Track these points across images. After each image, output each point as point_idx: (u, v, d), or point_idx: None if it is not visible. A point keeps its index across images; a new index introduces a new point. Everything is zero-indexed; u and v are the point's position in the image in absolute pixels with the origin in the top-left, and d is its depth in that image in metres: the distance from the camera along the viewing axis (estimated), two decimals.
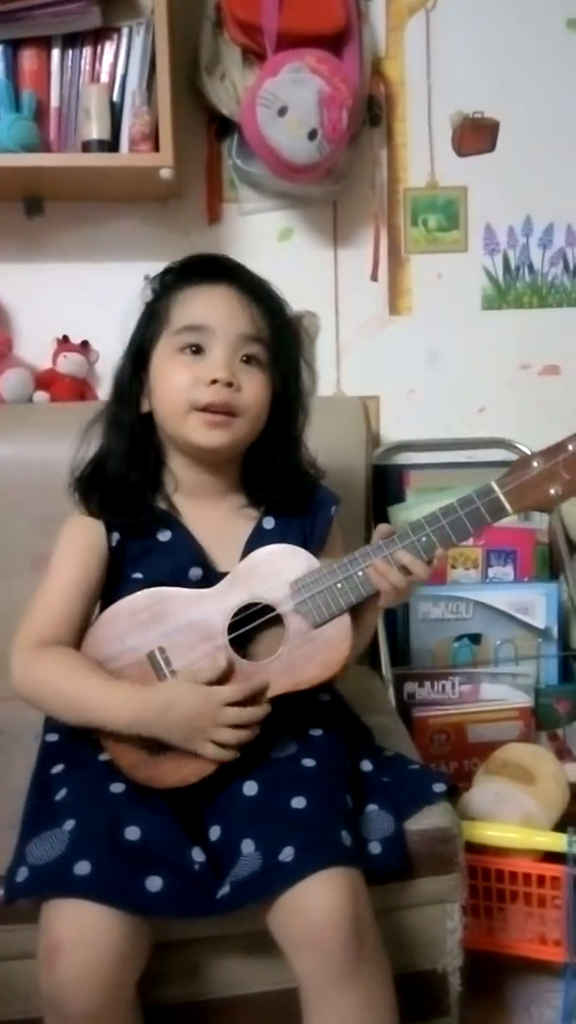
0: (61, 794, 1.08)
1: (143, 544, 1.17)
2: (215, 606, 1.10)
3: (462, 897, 1.14)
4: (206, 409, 1.13)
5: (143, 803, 1.06)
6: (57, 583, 1.16)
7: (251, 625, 1.10)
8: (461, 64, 1.80)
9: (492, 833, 1.34)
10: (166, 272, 1.22)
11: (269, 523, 1.21)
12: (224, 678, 1.08)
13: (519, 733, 1.69)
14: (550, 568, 1.84)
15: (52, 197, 1.73)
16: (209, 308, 1.15)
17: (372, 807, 1.12)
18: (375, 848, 1.07)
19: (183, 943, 1.07)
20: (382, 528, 1.12)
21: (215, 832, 1.06)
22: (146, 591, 1.12)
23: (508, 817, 1.38)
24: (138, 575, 1.16)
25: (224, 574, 1.13)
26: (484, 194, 1.84)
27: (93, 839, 1.00)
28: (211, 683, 1.07)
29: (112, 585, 1.17)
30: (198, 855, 1.02)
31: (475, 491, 1.09)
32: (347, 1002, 0.98)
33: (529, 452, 1.79)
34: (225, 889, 0.99)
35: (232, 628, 1.10)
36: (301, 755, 1.11)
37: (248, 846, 1.01)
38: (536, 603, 1.77)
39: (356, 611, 1.11)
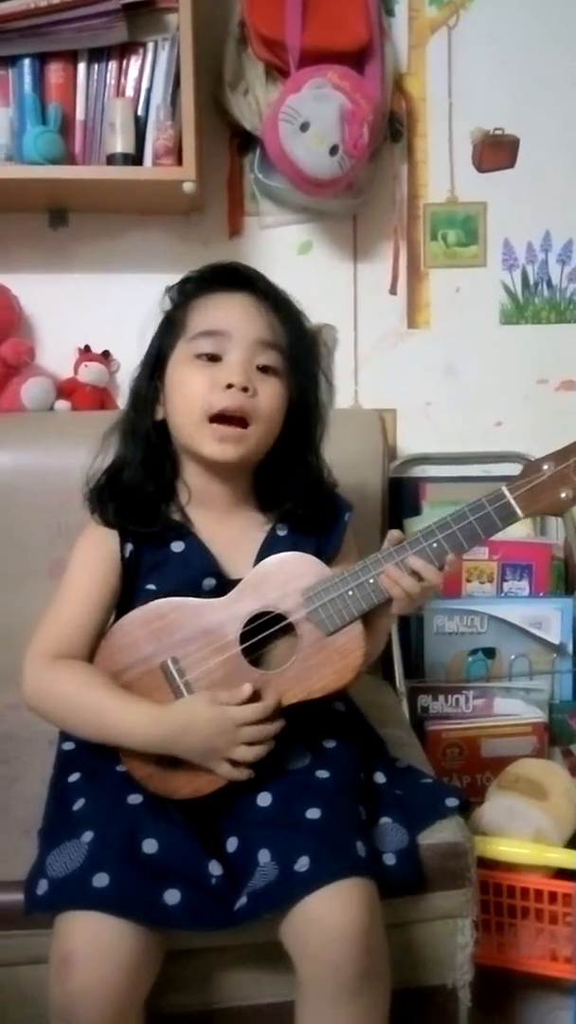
0: (79, 804, 1.09)
1: (157, 555, 1.17)
2: (227, 615, 1.10)
3: (473, 912, 1.14)
4: (221, 415, 1.12)
5: (160, 815, 1.06)
6: (71, 594, 1.16)
7: (264, 634, 1.10)
8: (482, 81, 1.81)
9: (504, 849, 1.34)
10: (185, 281, 1.22)
11: (282, 531, 1.20)
12: (235, 687, 1.08)
13: (532, 748, 1.68)
14: (566, 583, 1.84)
15: (76, 209, 1.75)
16: (227, 314, 1.15)
17: (386, 820, 1.11)
18: (389, 859, 1.07)
19: (194, 951, 1.07)
20: (393, 534, 1.11)
21: (232, 844, 1.06)
22: (159, 601, 1.12)
23: (520, 833, 1.37)
24: (152, 586, 1.16)
25: (237, 583, 1.12)
26: (503, 210, 1.85)
27: (111, 852, 1.00)
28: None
29: (126, 596, 1.17)
30: (215, 868, 1.02)
31: (486, 496, 1.09)
32: (347, 1014, 0.98)
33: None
34: (242, 900, 0.99)
35: (245, 637, 1.10)
36: (315, 767, 1.11)
37: (264, 856, 1.01)
38: (551, 618, 1.76)
39: (369, 618, 1.11)
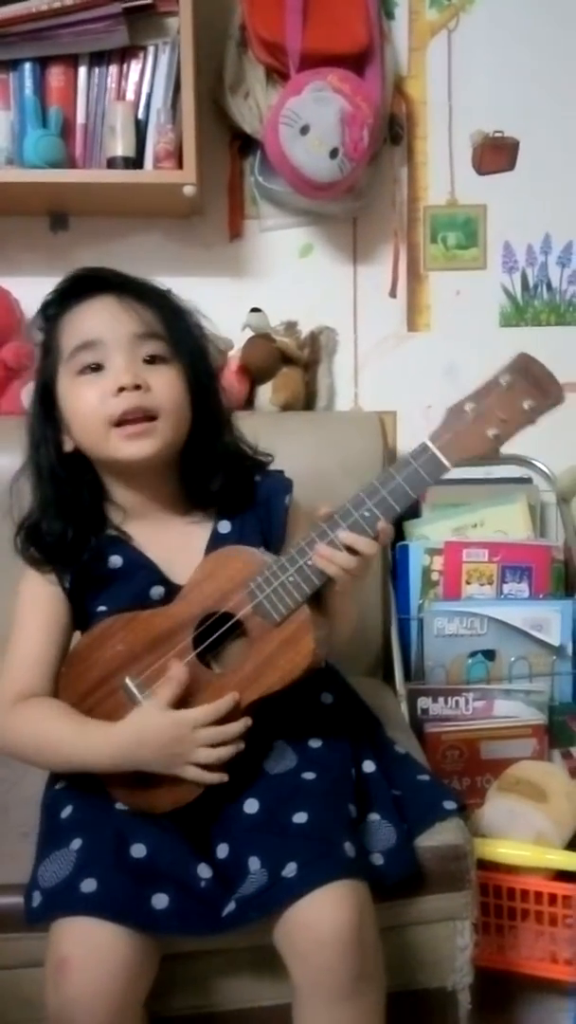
0: (67, 811, 1.09)
1: (98, 576, 1.15)
2: (177, 622, 1.08)
3: (473, 915, 1.13)
4: (122, 421, 1.09)
5: (148, 820, 1.06)
6: (23, 637, 1.16)
7: (215, 635, 1.08)
8: (482, 84, 1.82)
9: (504, 851, 1.34)
10: (45, 307, 1.17)
11: (225, 527, 1.17)
12: (194, 693, 1.07)
13: (532, 751, 1.68)
14: (565, 585, 1.84)
15: (77, 212, 1.75)
16: (93, 321, 1.11)
17: (374, 816, 1.11)
18: (377, 860, 1.06)
19: (190, 955, 1.07)
20: (321, 511, 1.04)
21: (223, 850, 1.06)
22: (108, 620, 1.11)
23: (520, 835, 1.37)
24: (102, 607, 1.14)
25: None
26: (503, 212, 1.85)
27: (99, 857, 1.00)
28: (178, 699, 1.06)
29: (81, 620, 1.17)
30: (204, 871, 1.02)
31: (411, 452, 1.01)
32: (344, 1017, 0.98)
33: (546, 468, 1.82)
34: (231, 906, 0.99)
35: (198, 640, 1.08)
36: (301, 768, 1.11)
37: (255, 863, 1.00)
38: (551, 620, 1.76)
39: (320, 601, 1.07)
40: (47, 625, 1.16)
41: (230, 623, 1.07)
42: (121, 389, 1.09)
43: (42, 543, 1.15)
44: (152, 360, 1.12)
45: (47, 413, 1.15)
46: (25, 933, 1.03)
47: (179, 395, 1.13)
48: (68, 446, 1.15)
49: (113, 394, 1.09)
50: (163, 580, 1.14)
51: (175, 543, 1.16)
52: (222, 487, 1.16)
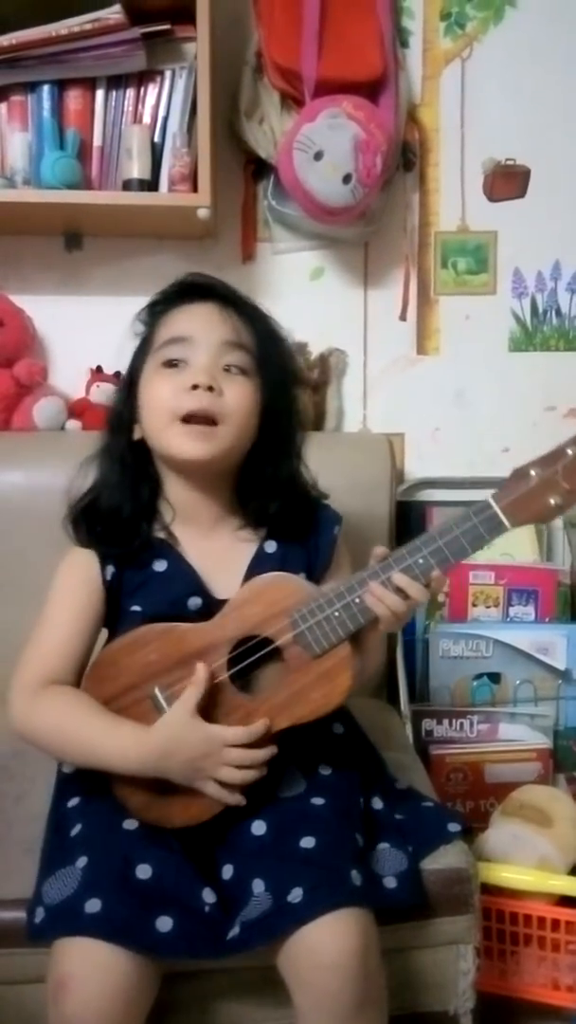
0: (76, 829, 1.09)
1: (139, 576, 1.16)
2: (213, 640, 1.08)
3: (476, 939, 1.14)
4: (189, 418, 1.11)
5: (155, 841, 1.06)
6: (54, 620, 1.15)
7: (251, 659, 1.08)
8: (494, 112, 1.84)
9: (507, 875, 1.34)
10: (153, 304, 1.23)
11: (271, 547, 1.18)
12: (224, 714, 1.07)
13: (537, 774, 1.68)
14: (572, 609, 1.84)
15: (91, 233, 1.77)
16: (190, 321, 1.16)
17: (384, 845, 1.11)
18: (390, 883, 1.07)
19: (193, 975, 1.07)
20: (377, 551, 1.07)
21: (227, 871, 1.06)
22: (143, 628, 1.10)
23: (524, 859, 1.37)
24: (136, 608, 1.14)
25: (224, 602, 1.11)
26: (514, 239, 1.86)
27: (104, 877, 1.00)
28: (203, 705, 1.05)
29: (112, 618, 1.17)
30: (208, 896, 1.02)
31: (472, 508, 1.04)
32: None
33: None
34: (235, 930, 0.99)
35: (234, 661, 1.08)
36: (310, 794, 1.11)
37: (259, 886, 1.00)
38: (557, 644, 1.76)
39: (358, 637, 1.08)
40: (80, 614, 1.15)
41: (269, 648, 1.07)
42: (195, 387, 1.11)
43: (96, 517, 1.17)
44: (232, 369, 1.14)
45: (128, 400, 1.19)
46: (29, 949, 1.03)
47: (248, 409, 1.15)
48: (137, 434, 1.18)
49: (187, 390, 1.11)
50: (202, 591, 1.15)
51: (219, 555, 1.17)
52: (279, 511, 1.18)
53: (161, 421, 1.13)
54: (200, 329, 1.14)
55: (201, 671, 1.06)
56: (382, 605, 1.04)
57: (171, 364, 1.14)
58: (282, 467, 1.19)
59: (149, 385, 1.16)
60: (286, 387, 1.20)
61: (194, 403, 1.11)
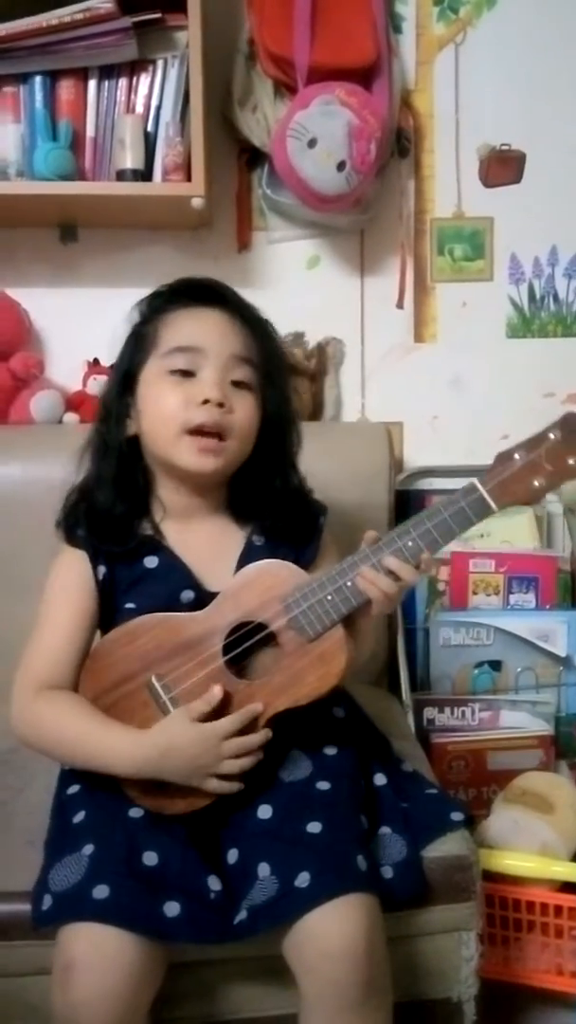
0: (79, 816, 1.09)
1: (131, 573, 1.16)
2: (208, 628, 1.10)
3: (479, 926, 1.14)
4: (199, 430, 1.12)
5: (160, 828, 1.07)
6: (51, 623, 1.16)
7: (246, 644, 1.10)
8: (489, 97, 1.83)
9: (509, 862, 1.34)
10: (155, 296, 1.21)
11: (259, 540, 1.20)
12: (221, 703, 1.08)
13: (538, 761, 1.68)
14: (572, 596, 1.84)
15: (86, 224, 1.77)
16: (201, 329, 1.15)
17: (385, 830, 1.12)
18: (387, 873, 1.07)
19: (197, 963, 1.08)
20: (368, 535, 1.10)
21: (232, 856, 1.06)
22: (139, 619, 1.12)
23: (526, 846, 1.37)
24: (131, 604, 1.15)
25: (216, 594, 1.12)
26: (510, 225, 1.86)
27: (111, 863, 1.01)
28: (207, 715, 1.07)
29: (107, 616, 1.17)
30: (214, 883, 1.02)
31: (459, 491, 1.07)
32: None
33: None
34: (242, 915, 0.99)
35: (228, 648, 1.10)
36: (316, 778, 1.11)
37: (264, 870, 1.01)
38: (557, 631, 1.76)
39: (351, 620, 1.10)
40: (77, 616, 1.16)
41: (263, 633, 1.09)
42: (206, 401, 1.11)
43: (88, 516, 1.16)
44: (239, 384, 1.15)
45: (123, 393, 1.18)
46: (31, 941, 1.03)
47: (253, 424, 1.16)
48: (130, 429, 1.18)
49: (198, 404, 1.11)
50: (194, 585, 1.15)
51: (209, 549, 1.18)
52: (272, 515, 1.19)
53: (169, 431, 1.13)
54: (211, 340, 1.14)
55: (216, 692, 1.07)
56: (374, 587, 1.07)
57: (179, 373, 1.13)
58: (279, 479, 1.20)
59: (155, 391, 1.14)
60: (284, 400, 1.21)
61: (204, 417, 1.11)
